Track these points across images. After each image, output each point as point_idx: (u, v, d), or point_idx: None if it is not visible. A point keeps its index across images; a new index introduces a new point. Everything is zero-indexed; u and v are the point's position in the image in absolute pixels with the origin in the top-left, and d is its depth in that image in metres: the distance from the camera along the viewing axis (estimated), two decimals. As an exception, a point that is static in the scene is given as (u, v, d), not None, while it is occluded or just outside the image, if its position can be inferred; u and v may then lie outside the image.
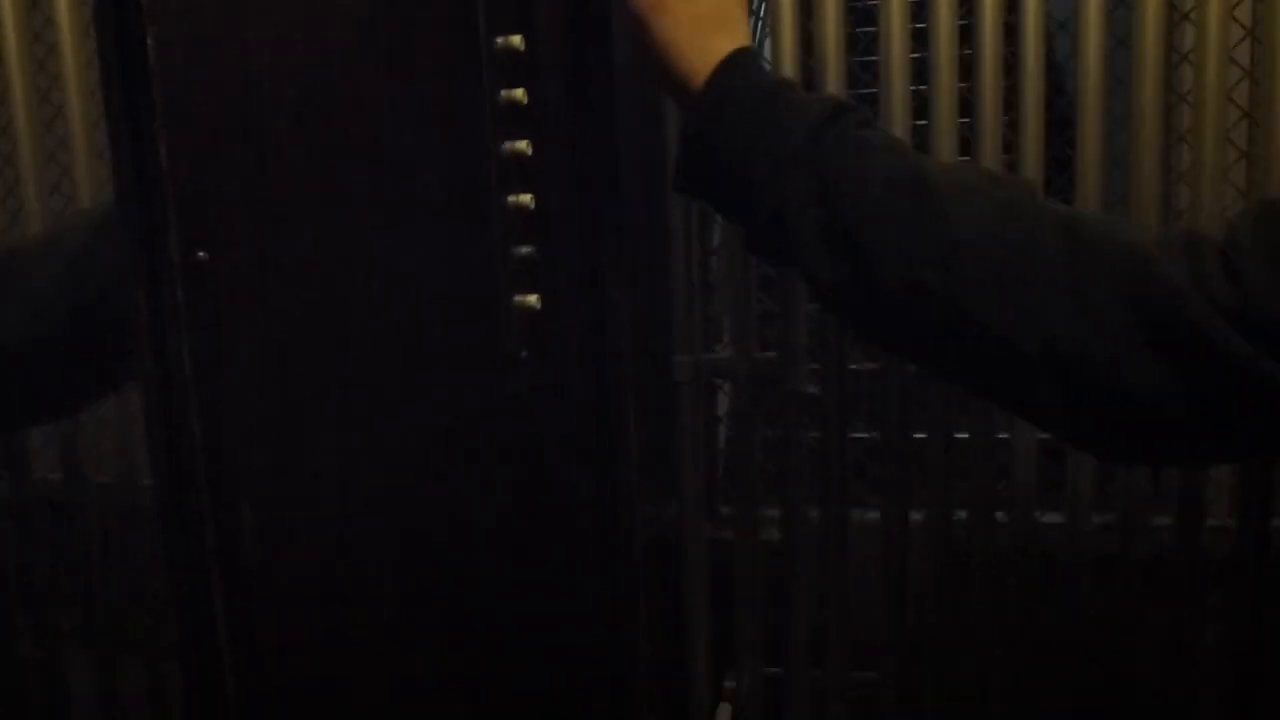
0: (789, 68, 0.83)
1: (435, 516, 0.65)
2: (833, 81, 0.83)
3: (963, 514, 0.89)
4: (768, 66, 0.70)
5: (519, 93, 0.67)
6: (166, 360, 0.47)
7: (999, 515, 0.88)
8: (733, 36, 0.66)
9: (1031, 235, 0.59)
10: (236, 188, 0.49)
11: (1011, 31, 0.82)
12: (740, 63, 0.65)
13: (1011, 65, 0.82)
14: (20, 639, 0.98)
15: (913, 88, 0.84)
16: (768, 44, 0.86)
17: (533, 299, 0.73)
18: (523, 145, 0.68)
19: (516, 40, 0.65)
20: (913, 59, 0.83)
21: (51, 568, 0.94)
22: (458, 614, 0.69)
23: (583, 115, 0.73)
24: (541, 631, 0.78)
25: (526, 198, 0.71)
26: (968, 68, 0.83)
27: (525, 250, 0.73)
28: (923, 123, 0.84)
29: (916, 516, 0.90)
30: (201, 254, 0.47)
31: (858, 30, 0.88)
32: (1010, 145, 0.84)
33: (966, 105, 0.83)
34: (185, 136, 0.45)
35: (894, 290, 0.60)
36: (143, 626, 0.94)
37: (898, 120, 0.83)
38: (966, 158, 0.84)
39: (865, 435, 0.93)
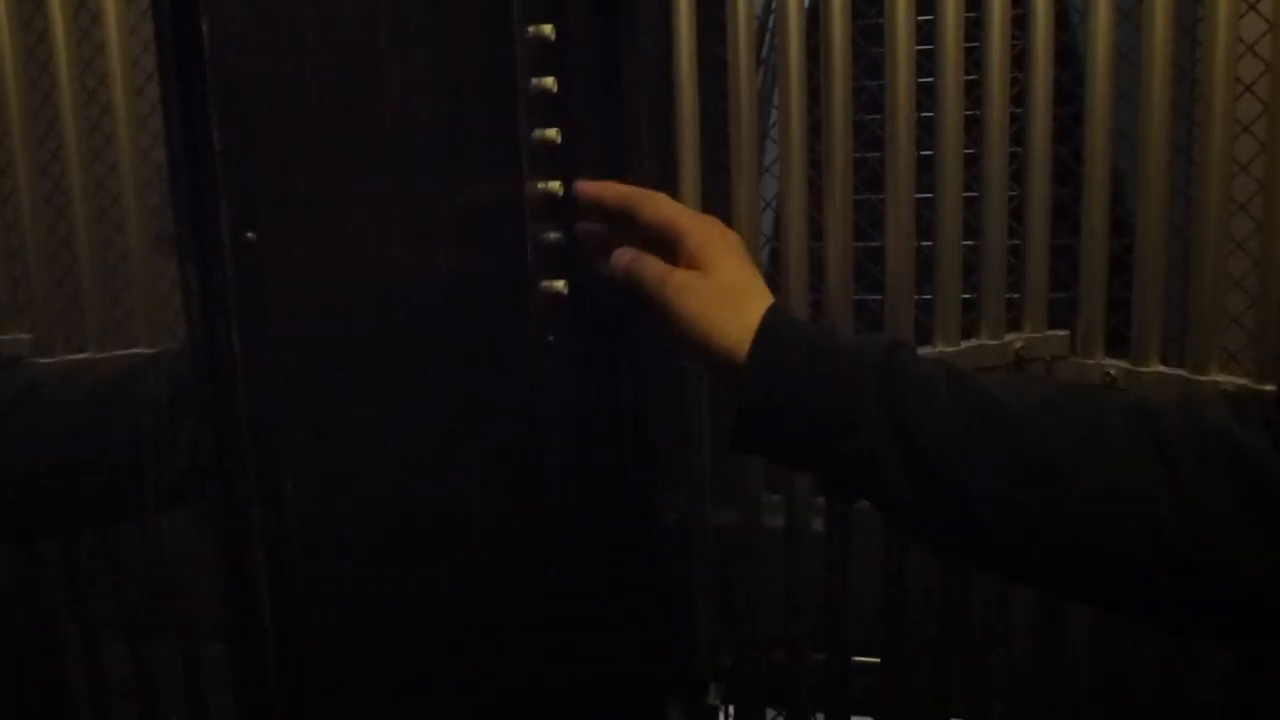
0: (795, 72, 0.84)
1: (469, 494, 0.67)
2: (838, 80, 0.84)
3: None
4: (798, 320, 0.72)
5: (549, 81, 0.68)
6: (215, 338, 0.49)
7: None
8: (758, 297, 0.68)
9: (1117, 440, 0.60)
10: (283, 171, 0.51)
11: (1021, 24, 0.83)
12: (777, 324, 0.66)
13: (1020, 57, 0.83)
14: (57, 620, 1.00)
15: (920, 80, 0.84)
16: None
17: (560, 284, 0.75)
18: (552, 133, 0.70)
19: (548, 29, 0.67)
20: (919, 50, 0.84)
21: (91, 547, 0.96)
22: (485, 593, 0.71)
23: (611, 103, 0.74)
24: (566, 608, 0.80)
25: (555, 184, 0.73)
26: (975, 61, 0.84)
27: (554, 236, 0.75)
28: (928, 115, 0.85)
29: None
30: (250, 234, 0.49)
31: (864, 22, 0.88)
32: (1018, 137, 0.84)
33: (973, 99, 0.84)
34: (236, 120, 0.47)
35: (991, 519, 0.60)
36: (179, 607, 0.96)
37: (902, 115, 0.83)
38: (969, 150, 0.85)
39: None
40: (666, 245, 0.71)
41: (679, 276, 0.69)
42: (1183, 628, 0.68)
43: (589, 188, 0.73)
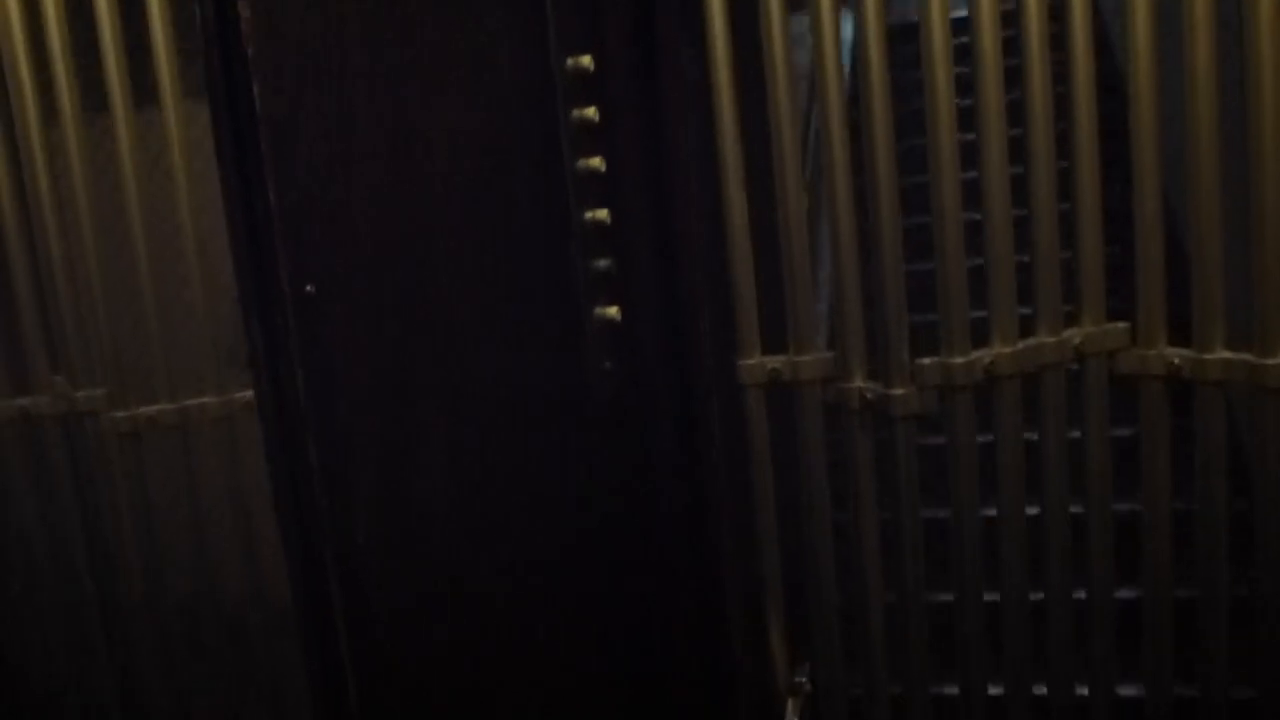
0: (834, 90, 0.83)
1: (533, 525, 0.67)
2: (878, 97, 0.83)
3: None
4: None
5: (591, 111, 0.69)
6: (281, 385, 0.50)
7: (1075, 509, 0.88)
8: None
9: None
10: (339, 224, 0.53)
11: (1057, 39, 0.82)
12: None
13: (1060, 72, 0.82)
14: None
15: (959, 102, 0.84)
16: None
17: (613, 311, 0.75)
18: (596, 161, 0.71)
19: (586, 60, 0.68)
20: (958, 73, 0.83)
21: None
22: (553, 618, 0.71)
23: (654, 129, 0.75)
24: (632, 636, 0.80)
25: (603, 212, 0.73)
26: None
27: (604, 264, 0.75)
28: (971, 137, 0.83)
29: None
30: (309, 287, 0.50)
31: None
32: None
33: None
34: (290, 179, 0.48)
35: None
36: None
37: (945, 135, 0.83)
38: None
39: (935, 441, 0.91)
40: None
41: None
42: None
43: None
